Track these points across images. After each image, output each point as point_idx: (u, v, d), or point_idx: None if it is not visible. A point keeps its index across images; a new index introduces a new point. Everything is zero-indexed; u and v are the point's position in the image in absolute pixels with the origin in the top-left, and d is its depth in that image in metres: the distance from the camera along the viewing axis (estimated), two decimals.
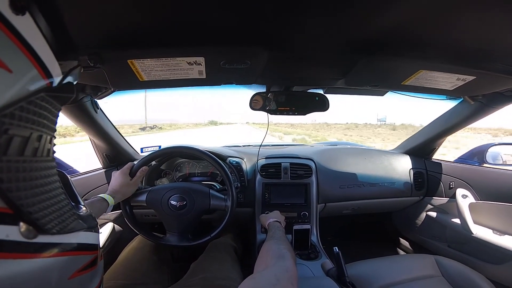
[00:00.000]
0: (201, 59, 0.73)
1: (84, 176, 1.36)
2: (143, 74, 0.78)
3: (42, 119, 0.34)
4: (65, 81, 0.40)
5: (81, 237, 0.42)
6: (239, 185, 1.42)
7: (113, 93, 1.04)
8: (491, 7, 0.52)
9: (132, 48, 0.67)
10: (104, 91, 1.02)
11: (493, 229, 1.28)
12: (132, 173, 1.06)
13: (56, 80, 0.37)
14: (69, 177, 0.53)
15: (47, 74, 0.34)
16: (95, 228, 0.47)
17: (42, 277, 0.33)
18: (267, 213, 1.17)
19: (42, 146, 0.34)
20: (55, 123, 0.38)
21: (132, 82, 0.84)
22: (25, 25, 0.29)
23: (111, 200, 0.92)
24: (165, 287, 0.97)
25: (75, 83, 0.43)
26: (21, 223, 0.30)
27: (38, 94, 0.32)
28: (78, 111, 1.06)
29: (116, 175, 1.04)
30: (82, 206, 0.49)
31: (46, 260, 0.33)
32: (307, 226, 1.22)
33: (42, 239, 0.32)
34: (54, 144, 0.39)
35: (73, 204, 0.44)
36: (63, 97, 0.38)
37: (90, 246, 0.44)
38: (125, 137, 1.43)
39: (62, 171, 0.53)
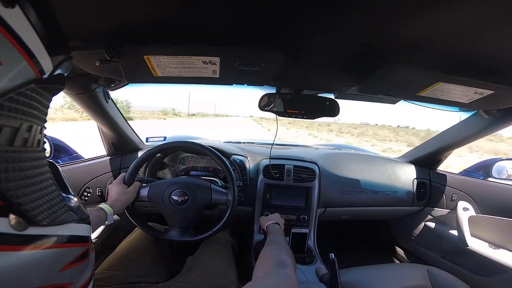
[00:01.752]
0: (217, 59, 0.73)
1: (89, 162, 1.37)
2: (157, 70, 0.78)
3: (33, 110, 0.33)
4: (55, 73, 0.39)
5: (72, 229, 0.41)
6: (241, 183, 1.42)
7: (126, 85, 1.04)
8: None
9: (150, 44, 0.67)
10: (118, 83, 1.04)
11: (489, 242, 1.29)
12: (126, 181, 1.07)
13: (47, 72, 0.36)
14: (59, 168, 0.53)
15: (38, 66, 0.33)
16: (86, 220, 0.46)
17: (33, 269, 0.32)
18: (267, 214, 1.18)
19: (33, 136, 0.34)
20: (46, 113, 0.38)
21: (146, 77, 0.84)
22: (15, 17, 0.29)
23: (108, 209, 0.91)
24: (162, 279, 0.98)
25: (66, 74, 0.42)
26: (11, 215, 0.29)
27: (28, 85, 0.32)
28: (90, 100, 1.08)
29: (112, 186, 1.05)
30: (72, 197, 0.48)
31: (36, 252, 0.33)
32: (305, 231, 1.23)
33: (32, 231, 0.32)
34: (45, 135, 0.39)
35: (64, 195, 0.43)
36: (54, 88, 0.38)
37: (81, 238, 0.43)
38: (132, 127, 1.44)
39: (53, 161, 0.53)
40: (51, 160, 0.51)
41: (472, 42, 0.61)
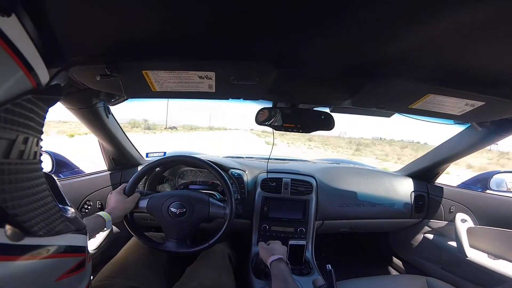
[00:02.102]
0: (212, 74, 0.75)
1: (90, 177, 1.39)
2: (155, 85, 0.81)
3: (29, 121, 0.33)
4: (52, 83, 0.39)
5: (69, 239, 0.41)
6: (239, 196, 1.43)
7: (126, 100, 1.07)
8: (502, 33, 0.52)
9: (148, 59, 0.69)
10: (118, 98, 1.06)
11: (488, 253, 1.29)
12: (126, 192, 1.09)
13: (43, 82, 0.36)
14: (56, 180, 0.53)
15: (34, 76, 0.33)
16: (82, 231, 0.46)
17: (29, 279, 0.32)
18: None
19: (29, 148, 0.34)
20: (42, 125, 0.37)
21: (145, 92, 0.86)
22: (11, 26, 0.29)
23: (107, 216, 0.92)
24: (159, 287, 0.99)
25: (63, 84, 0.43)
26: (7, 226, 0.29)
27: (24, 96, 0.31)
28: (91, 115, 1.11)
29: (112, 195, 1.07)
30: (69, 208, 0.48)
31: (33, 262, 0.33)
32: (303, 242, 1.23)
33: (28, 241, 0.32)
34: (41, 147, 0.38)
35: (60, 206, 0.43)
36: (51, 99, 0.38)
37: (78, 248, 0.43)
38: (132, 142, 1.46)
39: (49, 173, 0.53)
40: (47, 172, 0.50)
41: (460, 54, 0.63)
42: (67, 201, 0.51)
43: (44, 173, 0.40)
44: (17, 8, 0.30)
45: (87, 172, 1.49)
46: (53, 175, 0.57)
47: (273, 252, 0.98)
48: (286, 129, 1.19)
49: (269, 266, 0.94)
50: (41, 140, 0.38)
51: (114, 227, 1.43)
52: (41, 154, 0.38)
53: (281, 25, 0.54)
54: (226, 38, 0.62)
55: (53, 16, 0.41)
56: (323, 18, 0.51)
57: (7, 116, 0.29)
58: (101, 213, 0.92)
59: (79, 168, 1.58)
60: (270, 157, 1.55)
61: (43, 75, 0.36)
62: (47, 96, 0.37)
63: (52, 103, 0.39)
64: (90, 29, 0.56)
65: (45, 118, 0.38)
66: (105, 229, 0.92)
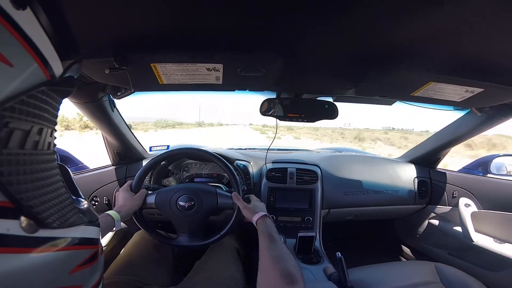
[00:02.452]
0: (220, 66, 0.75)
1: (94, 172, 1.39)
2: (163, 78, 0.81)
3: (43, 113, 0.33)
4: (65, 76, 0.39)
5: (82, 231, 0.41)
6: (245, 188, 1.43)
7: (133, 93, 1.06)
8: (501, 23, 0.53)
9: (156, 52, 0.69)
10: (124, 92, 1.05)
11: (493, 237, 1.31)
12: (133, 189, 1.08)
13: (57, 74, 0.36)
14: (70, 171, 0.53)
15: (48, 68, 0.33)
16: (95, 223, 0.46)
17: (44, 271, 0.32)
18: (247, 199, 1.10)
19: (43, 139, 0.34)
20: (56, 116, 0.37)
21: (152, 85, 0.86)
22: (26, 19, 0.29)
23: (116, 215, 0.92)
24: (165, 283, 1.00)
25: (76, 76, 0.43)
26: (22, 217, 0.29)
27: (39, 88, 0.31)
28: (96, 109, 1.11)
29: (119, 193, 1.06)
30: (82, 200, 0.48)
31: (47, 255, 0.33)
32: (312, 234, 1.24)
33: (43, 233, 0.32)
34: (55, 137, 0.38)
35: (74, 198, 0.43)
36: (64, 90, 0.38)
37: (91, 240, 0.43)
38: (136, 136, 1.46)
39: (64, 164, 0.52)
40: (61, 163, 0.49)
41: (460, 43, 0.64)
42: (80, 193, 0.51)
43: (58, 163, 0.40)
44: (32, 1, 0.30)
45: (91, 167, 1.49)
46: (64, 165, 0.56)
47: (256, 210, 0.97)
48: (291, 119, 1.20)
49: (255, 224, 0.93)
50: (55, 131, 0.38)
51: (122, 223, 1.44)
52: (55, 145, 0.38)
53: (287, 15, 0.55)
54: (233, 30, 0.62)
55: (66, 10, 0.41)
56: (329, 8, 0.52)
57: (22, 108, 0.29)
58: (110, 212, 0.92)
59: (83, 164, 1.58)
60: (273, 147, 1.56)
61: (57, 67, 0.36)
62: (61, 87, 0.37)
63: (66, 94, 0.39)
64: (100, 22, 0.56)
65: (58, 109, 0.38)
66: (114, 228, 0.91)
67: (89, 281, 0.42)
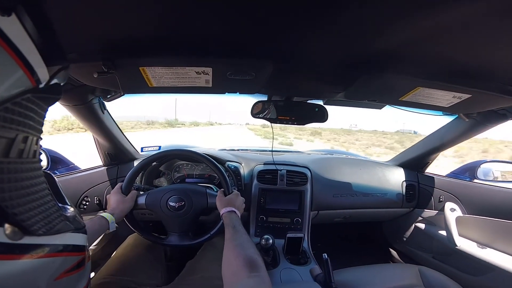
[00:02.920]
0: (209, 70, 0.76)
1: (86, 173, 1.39)
2: (152, 81, 0.81)
3: (28, 120, 0.33)
4: (52, 83, 0.39)
5: (68, 238, 0.41)
6: (236, 189, 1.45)
7: (122, 96, 1.07)
8: (488, 30, 0.54)
9: (145, 56, 0.70)
10: (114, 94, 1.06)
11: (477, 242, 1.34)
12: (124, 190, 1.09)
13: (43, 81, 0.36)
14: (55, 178, 0.53)
15: (34, 75, 0.33)
16: (82, 230, 0.46)
17: (29, 278, 0.32)
18: (233, 191, 1.12)
19: (28, 147, 0.34)
20: (42, 124, 0.37)
21: (142, 87, 0.87)
22: (11, 26, 0.29)
23: (110, 217, 0.93)
24: (158, 283, 1.00)
25: (62, 83, 0.43)
26: (6, 225, 0.29)
27: (24, 95, 0.31)
28: (86, 111, 1.11)
29: (111, 195, 1.07)
30: (69, 207, 0.48)
31: (32, 262, 0.33)
32: (300, 235, 1.26)
33: (28, 240, 0.32)
34: (41, 146, 0.38)
35: (60, 205, 0.43)
36: (50, 98, 0.38)
37: (77, 247, 0.43)
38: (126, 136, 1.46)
39: (49, 172, 0.53)
40: (47, 171, 0.51)
41: (448, 50, 0.66)
42: (66, 200, 0.51)
43: (44, 172, 0.40)
44: (17, 7, 0.30)
45: (82, 168, 1.49)
46: (50, 172, 0.57)
47: (228, 204, 1.00)
48: (281, 122, 1.22)
49: (221, 216, 0.97)
50: (41, 139, 0.38)
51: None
52: (40, 153, 0.38)
53: (276, 20, 0.55)
54: (222, 34, 0.63)
55: (52, 15, 0.41)
56: (318, 14, 0.52)
57: (7, 115, 0.29)
58: (104, 214, 0.93)
59: (74, 164, 1.58)
60: (265, 149, 1.57)
61: (43, 74, 0.36)
62: (46, 95, 0.37)
63: (52, 102, 0.39)
64: (87, 27, 0.56)
65: (44, 117, 0.38)
66: (108, 230, 0.92)
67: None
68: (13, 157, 0.31)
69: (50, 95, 0.38)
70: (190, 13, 0.52)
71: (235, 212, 0.97)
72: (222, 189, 1.11)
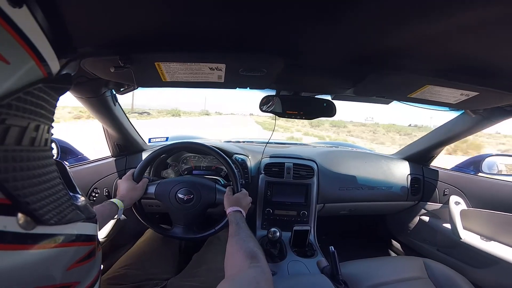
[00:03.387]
0: (222, 66, 0.77)
1: (94, 164, 1.41)
2: (166, 76, 0.82)
3: (40, 109, 0.33)
4: (62, 73, 0.39)
5: (79, 227, 0.41)
6: (243, 182, 1.46)
7: (135, 89, 1.07)
8: (498, 30, 0.54)
9: (160, 51, 0.70)
10: (127, 87, 1.07)
11: (481, 235, 1.35)
12: (135, 178, 1.11)
13: (54, 72, 0.36)
14: (67, 167, 0.52)
15: (45, 66, 0.34)
16: (93, 219, 0.46)
17: (41, 268, 0.32)
18: (242, 189, 1.14)
19: (40, 136, 0.34)
20: (53, 113, 0.38)
21: (155, 82, 0.88)
22: (23, 17, 0.29)
23: (120, 204, 0.95)
24: (170, 276, 1.03)
25: (73, 74, 0.43)
26: (19, 214, 0.29)
27: (35, 85, 0.32)
28: (99, 103, 1.12)
29: (121, 182, 1.08)
30: (80, 196, 0.47)
31: (44, 252, 0.33)
32: (307, 227, 1.28)
33: (40, 230, 0.32)
34: (52, 134, 0.38)
35: (71, 194, 0.42)
36: (61, 87, 0.38)
37: (88, 237, 0.43)
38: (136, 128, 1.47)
39: (61, 161, 0.52)
40: (58, 160, 0.50)
41: (457, 48, 0.65)
42: (77, 189, 0.50)
43: (55, 160, 0.40)
44: None
45: (91, 158, 1.50)
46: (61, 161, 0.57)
47: (234, 204, 1.02)
48: (289, 116, 1.22)
49: (227, 214, 0.99)
50: (52, 127, 0.38)
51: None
52: (52, 142, 0.38)
53: (289, 17, 0.56)
54: (236, 31, 0.63)
55: (65, 8, 0.42)
56: (329, 11, 0.53)
57: (19, 104, 0.29)
58: (114, 200, 0.95)
59: (83, 155, 1.60)
60: (270, 141, 1.58)
61: (54, 65, 0.36)
62: (57, 85, 0.37)
63: (63, 92, 0.39)
64: (104, 21, 0.56)
65: (55, 106, 0.38)
66: (116, 216, 0.94)
67: (86, 278, 0.42)
68: (26, 145, 0.31)
69: (60, 85, 0.38)
70: (206, 10, 0.52)
71: (240, 212, 0.98)
72: (231, 187, 1.13)
